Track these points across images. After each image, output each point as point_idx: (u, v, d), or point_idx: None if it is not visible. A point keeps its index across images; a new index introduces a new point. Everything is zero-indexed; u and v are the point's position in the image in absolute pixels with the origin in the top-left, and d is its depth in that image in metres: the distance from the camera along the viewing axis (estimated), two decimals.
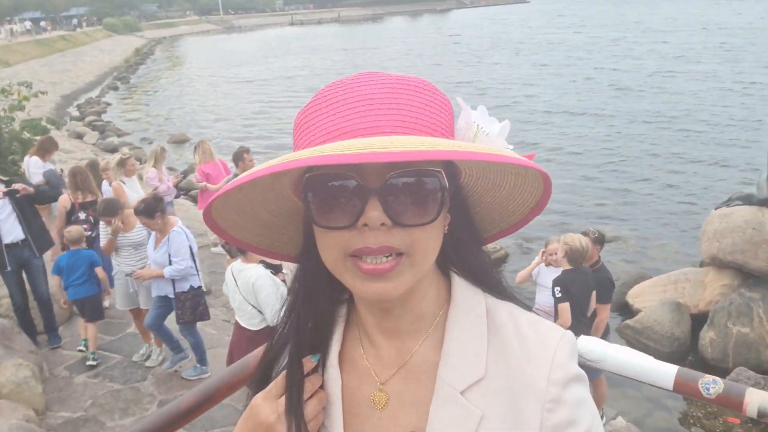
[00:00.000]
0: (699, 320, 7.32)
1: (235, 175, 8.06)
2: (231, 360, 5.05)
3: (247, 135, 20.39)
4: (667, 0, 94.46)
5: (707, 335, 6.99)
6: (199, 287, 5.74)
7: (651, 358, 1.29)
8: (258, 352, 1.47)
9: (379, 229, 0.75)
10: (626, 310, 8.10)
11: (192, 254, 5.61)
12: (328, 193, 0.77)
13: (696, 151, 15.53)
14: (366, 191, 0.75)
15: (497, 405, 0.81)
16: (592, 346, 1.38)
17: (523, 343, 0.83)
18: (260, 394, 0.91)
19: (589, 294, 5.15)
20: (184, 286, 5.60)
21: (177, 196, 10.30)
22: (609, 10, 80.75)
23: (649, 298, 7.83)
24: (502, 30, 60.20)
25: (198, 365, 5.92)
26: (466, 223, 0.89)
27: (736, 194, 7.66)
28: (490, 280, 0.91)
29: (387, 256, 0.76)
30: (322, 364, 0.92)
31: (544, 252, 5.61)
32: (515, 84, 27.47)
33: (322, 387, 0.91)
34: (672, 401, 6.26)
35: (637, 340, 7.18)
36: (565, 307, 4.99)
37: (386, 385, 0.88)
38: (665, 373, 1.25)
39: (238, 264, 5.06)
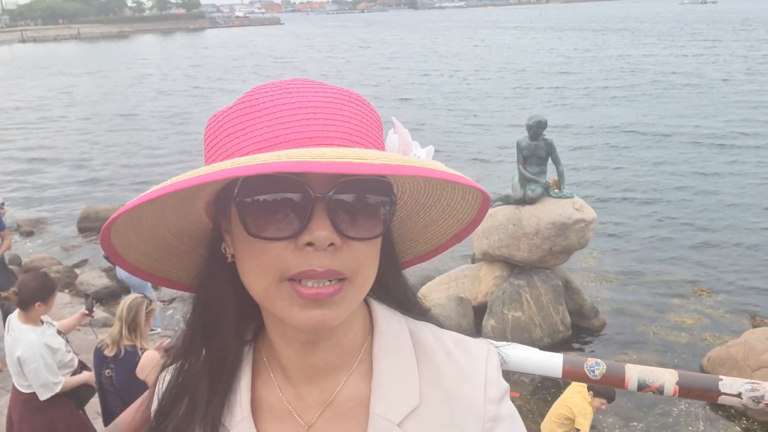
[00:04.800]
0: (480, 310, 8.12)
1: None
2: (10, 426, 4.35)
3: None
4: (393, 28, 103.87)
5: (488, 323, 7.79)
6: None
7: (536, 349, 1.37)
8: (128, 417, 1.22)
9: (326, 250, 0.67)
10: None
11: None
12: (267, 202, 0.67)
13: (450, 160, 17.26)
14: (311, 203, 0.66)
15: None
16: None
17: (453, 364, 0.81)
18: None
19: None
20: None
21: None
22: (349, 33, 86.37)
23: (436, 296, 8.45)
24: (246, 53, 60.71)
25: None
26: (388, 250, 0.83)
27: (496, 196, 8.63)
28: (409, 302, 0.88)
29: (330, 280, 0.68)
30: (230, 418, 0.79)
31: None
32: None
33: None
34: None
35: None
36: None
37: (313, 428, 0.80)
38: (553, 362, 1.33)
39: (14, 319, 4.32)
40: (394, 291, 0.86)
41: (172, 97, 31.29)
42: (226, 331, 0.80)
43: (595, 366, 1.31)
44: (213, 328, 0.80)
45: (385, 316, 0.84)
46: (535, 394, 6.77)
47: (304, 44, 69.97)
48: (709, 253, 10.84)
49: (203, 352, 0.81)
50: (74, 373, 4.47)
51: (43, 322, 4.38)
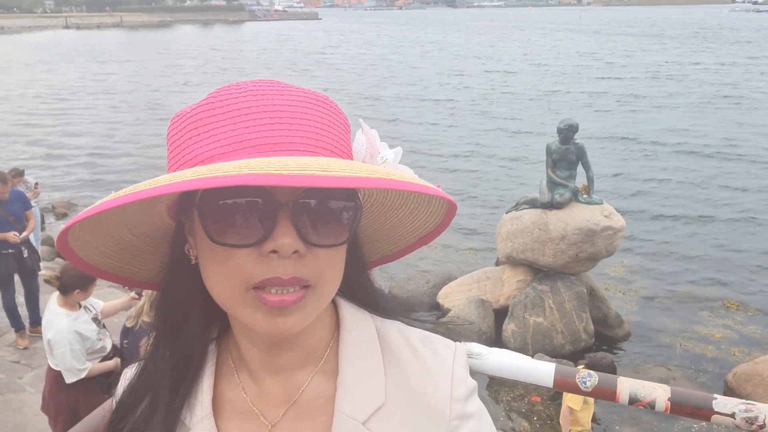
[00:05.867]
0: (501, 314, 8.05)
1: None
2: (44, 404, 4.51)
3: None
4: (430, 25, 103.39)
5: (509, 327, 7.72)
6: None
7: (529, 358, 1.35)
8: (104, 410, 1.21)
9: (290, 258, 0.66)
10: (438, 310, 8.62)
11: None
12: (230, 209, 0.66)
13: (477, 161, 17.14)
14: (276, 210, 0.65)
15: (402, 431, 0.77)
16: (472, 349, 1.41)
17: (420, 362, 0.81)
18: None
19: None
20: None
21: None
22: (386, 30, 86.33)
23: (457, 297, 8.41)
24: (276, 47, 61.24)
25: None
26: (355, 251, 0.83)
27: (523, 199, 8.53)
28: (375, 301, 0.87)
29: (294, 287, 0.68)
30: (191, 416, 0.79)
31: None
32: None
33: None
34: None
35: (449, 338, 7.65)
36: None
37: (277, 427, 0.79)
38: (545, 372, 1.31)
39: (53, 302, 4.43)
40: (360, 292, 0.85)
41: (203, 88, 31.67)
42: (190, 331, 0.79)
43: (587, 377, 1.29)
44: (177, 328, 0.79)
45: (353, 316, 0.83)
46: (555, 399, 6.68)
47: (340, 39, 70.39)
48: (741, 267, 10.55)
49: (167, 353, 0.80)
50: (106, 358, 4.56)
51: (81, 306, 4.48)
